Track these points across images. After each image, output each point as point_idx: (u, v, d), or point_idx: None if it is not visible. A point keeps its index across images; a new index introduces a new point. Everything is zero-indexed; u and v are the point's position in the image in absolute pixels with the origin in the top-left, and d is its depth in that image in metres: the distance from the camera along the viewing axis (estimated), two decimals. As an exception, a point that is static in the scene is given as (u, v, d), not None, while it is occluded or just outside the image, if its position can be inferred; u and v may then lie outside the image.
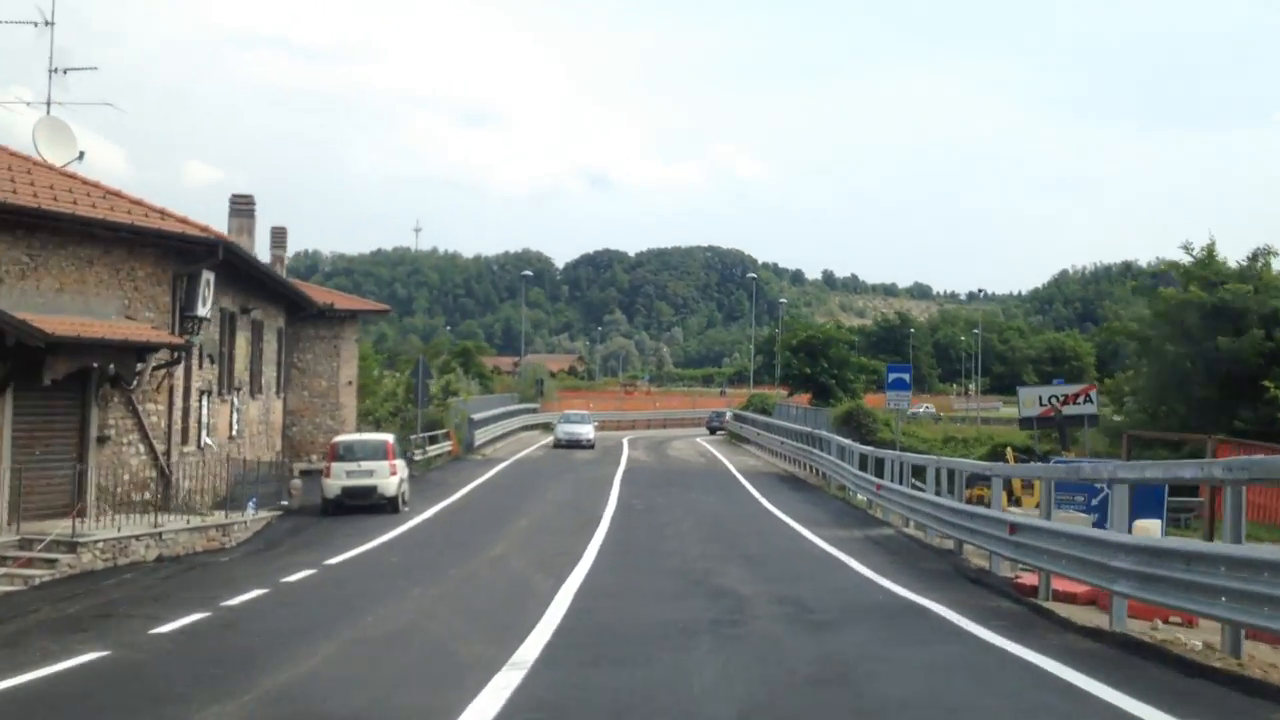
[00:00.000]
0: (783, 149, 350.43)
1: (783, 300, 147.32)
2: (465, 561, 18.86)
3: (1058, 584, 15.28)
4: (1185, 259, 32.20)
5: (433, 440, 41.16)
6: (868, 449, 30.75)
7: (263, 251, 37.53)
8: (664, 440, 63.79)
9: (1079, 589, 15.06)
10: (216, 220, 29.01)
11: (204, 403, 26.49)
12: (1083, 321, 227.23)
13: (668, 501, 30.94)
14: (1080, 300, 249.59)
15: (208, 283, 23.98)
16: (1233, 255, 34.24)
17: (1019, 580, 16.23)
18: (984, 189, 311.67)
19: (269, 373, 35.60)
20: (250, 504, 24.24)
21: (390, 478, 27.45)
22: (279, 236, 42.25)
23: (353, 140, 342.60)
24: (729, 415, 67.63)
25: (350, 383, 40.98)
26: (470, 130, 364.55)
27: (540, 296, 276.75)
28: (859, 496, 30.66)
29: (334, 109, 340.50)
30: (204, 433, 26.16)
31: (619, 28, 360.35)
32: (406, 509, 28.07)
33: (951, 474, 21.95)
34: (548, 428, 69.43)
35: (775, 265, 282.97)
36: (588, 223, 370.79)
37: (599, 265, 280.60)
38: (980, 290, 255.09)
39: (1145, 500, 18.96)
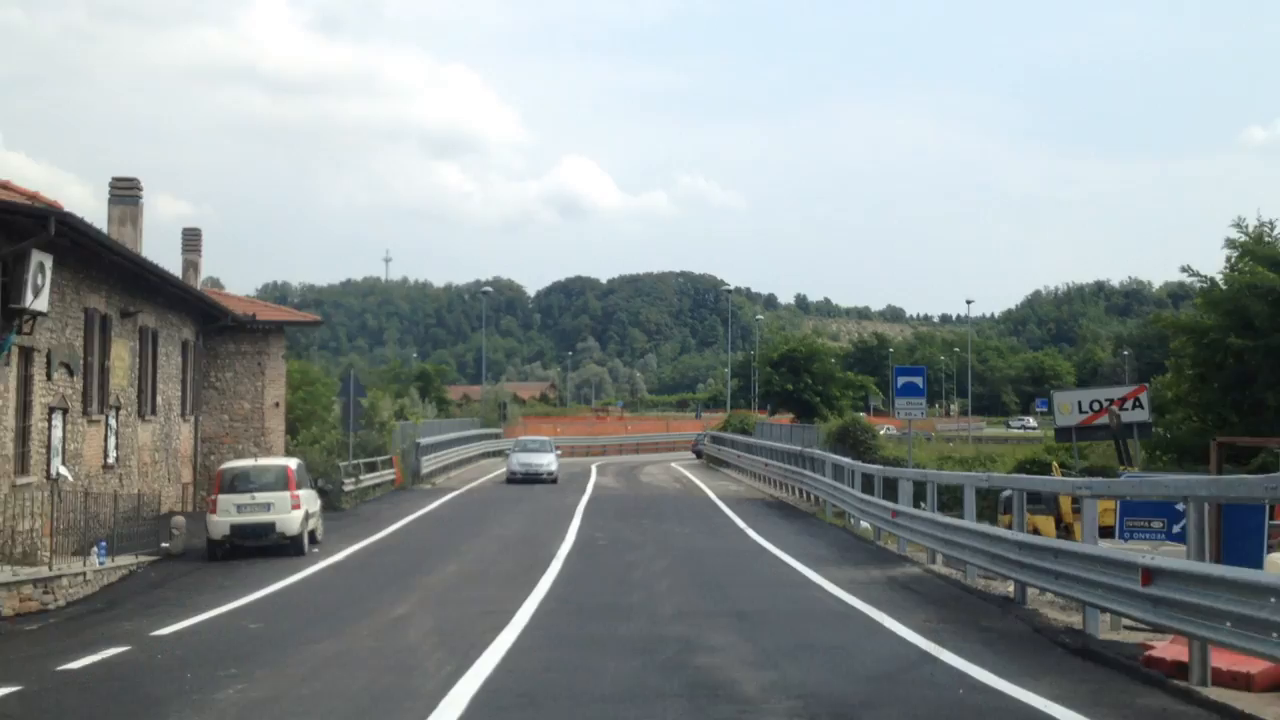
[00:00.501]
0: (751, 179, 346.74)
1: (759, 317, 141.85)
2: (347, 628, 13.37)
3: (1218, 658, 9.96)
4: (1239, 236, 26.86)
5: (370, 468, 35.55)
6: (874, 468, 25.36)
7: (172, 255, 31.98)
8: (637, 465, 58.32)
9: (1254, 665, 9.74)
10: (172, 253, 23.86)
11: (56, 423, 20.92)
12: (1057, 341, 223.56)
13: (637, 535, 25.46)
14: (1054, 320, 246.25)
15: (40, 267, 18.41)
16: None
17: (1150, 652, 10.84)
18: (949, 215, 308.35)
19: (170, 391, 29.99)
20: (96, 550, 18.66)
21: (292, 512, 21.83)
22: (192, 239, 36.71)
23: (321, 172, 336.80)
24: (707, 438, 62.40)
25: (277, 404, 35.42)
26: (439, 161, 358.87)
27: (512, 325, 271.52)
28: (863, 524, 25.27)
29: (302, 141, 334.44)
30: (55, 460, 20.56)
31: (586, 61, 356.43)
32: (315, 550, 22.49)
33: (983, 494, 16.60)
34: (512, 454, 63.93)
35: (748, 290, 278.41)
36: (559, 251, 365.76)
37: (571, 293, 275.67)
38: (953, 314, 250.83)
39: (1242, 525, 13.67)
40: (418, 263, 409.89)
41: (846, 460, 28.06)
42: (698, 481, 45.65)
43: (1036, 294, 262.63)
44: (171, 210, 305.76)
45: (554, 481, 42.27)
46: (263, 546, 21.54)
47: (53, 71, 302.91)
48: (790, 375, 53.94)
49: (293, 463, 23.47)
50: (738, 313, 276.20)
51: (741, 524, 28.11)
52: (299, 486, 22.35)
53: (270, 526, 21.57)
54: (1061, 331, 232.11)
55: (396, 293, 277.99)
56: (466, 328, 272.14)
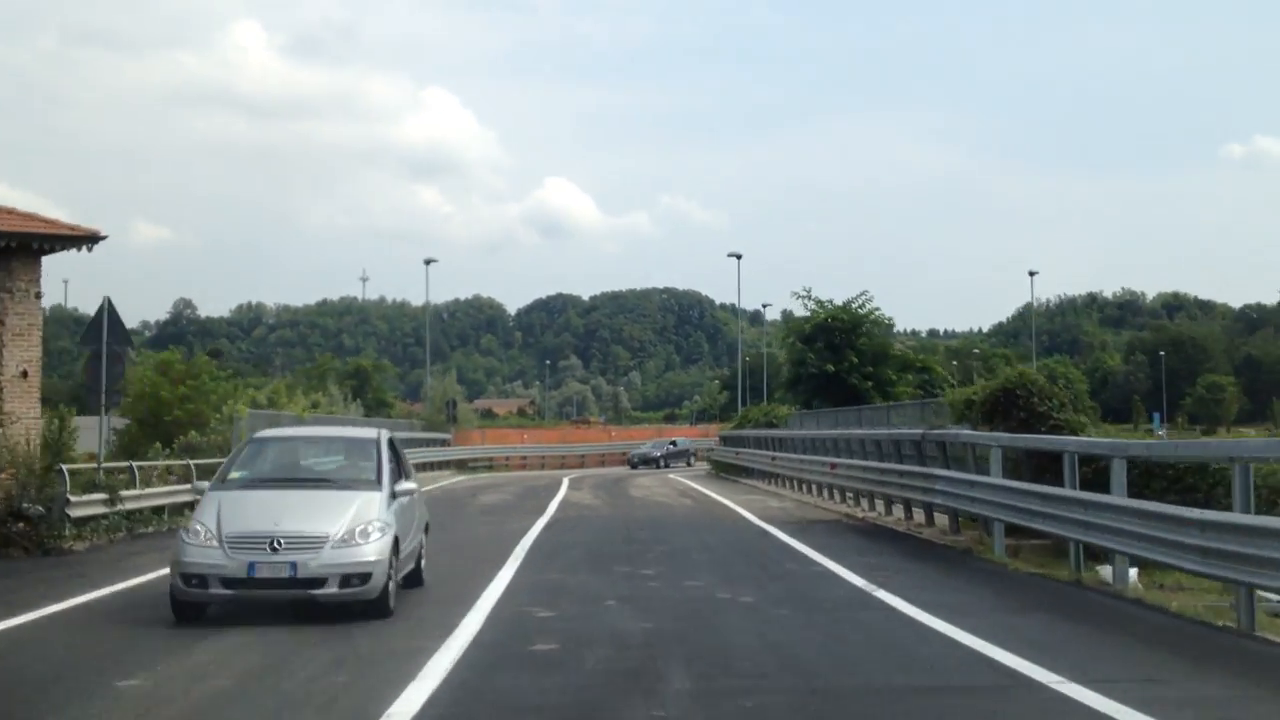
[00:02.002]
0: (732, 198, 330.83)
1: (766, 305, 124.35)
2: None
3: None
4: None
5: (167, 474, 19.76)
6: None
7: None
8: (625, 477, 42.67)
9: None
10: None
11: None
12: (1050, 353, 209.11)
13: (628, 608, 9.99)
14: (1048, 332, 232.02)
15: None
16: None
17: None
18: (933, 230, 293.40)
19: None
20: None
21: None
22: None
23: (300, 195, 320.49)
24: (713, 442, 46.84)
25: (25, 373, 19.84)
26: (419, 184, 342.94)
27: (492, 343, 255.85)
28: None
29: (281, 165, 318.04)
30: None
31: (565, 83, 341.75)
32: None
33: None
34: (463, 466, 48.08)
35: (733, 306, 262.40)
36: (540, 270, 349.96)
37: (552, 310, 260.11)
38: (942, 329, 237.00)
39: None
40: (396, 283, 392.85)
41: (1105, 442, 12.48)
42: (716, 495, 29.93)
43: (1028, 306, 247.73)
44: (151, 235, 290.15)
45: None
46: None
47: (28, 97, 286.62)
48: (829, 353, 38.39)
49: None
50: (722, 330, 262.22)
51: (860, 581, 12.43)
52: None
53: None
54: (1055, 343, 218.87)
55: (374, 312, 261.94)
56: (446, 347, 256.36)
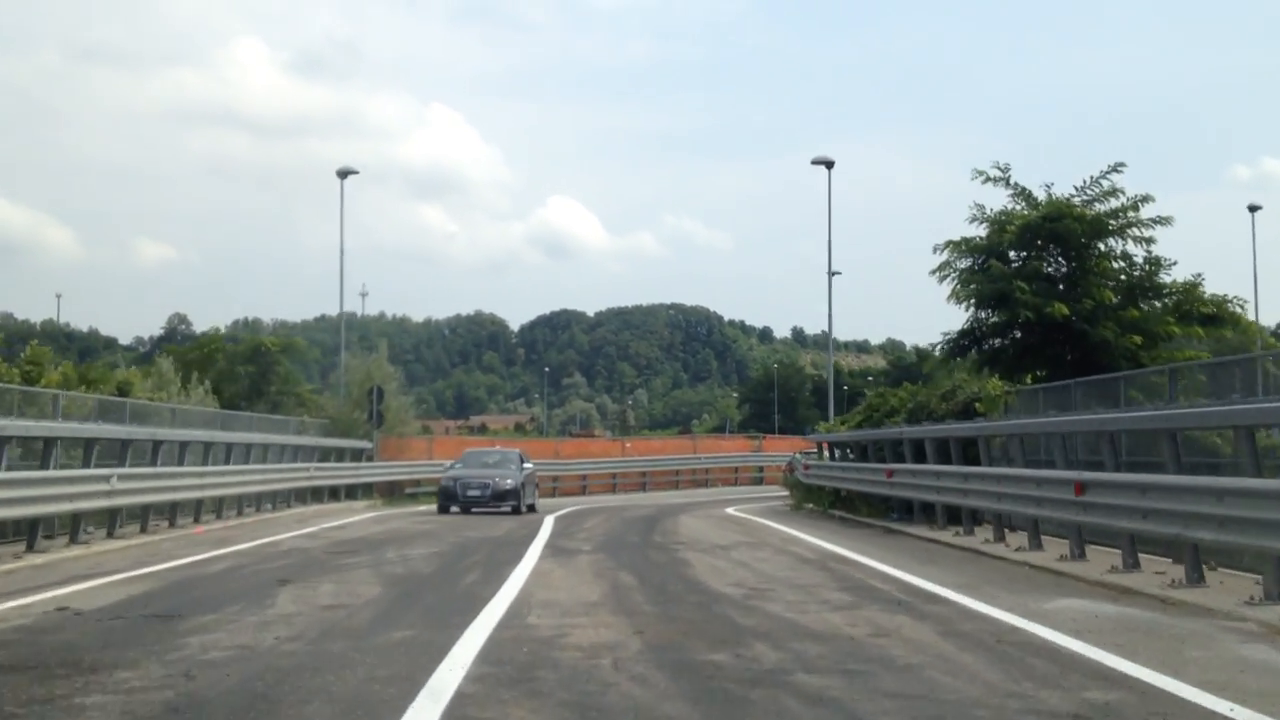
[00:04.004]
0: (737, 219, 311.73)
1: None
2: None
3: None
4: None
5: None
6: None
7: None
8: (656, 518, 23.07)
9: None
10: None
11: None
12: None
13: None
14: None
15: None
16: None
17: None
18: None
19: None
20: None
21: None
22: None
23: (303, 214, 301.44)
24: (814, 453, 27.41)
25: None
26: (422, 202, 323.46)
27: (494, 360, 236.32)
28: None
29: (284, 183, 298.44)
30: None
31: (569, 102, 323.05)
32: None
33: None
34: (394, 491, 28.57)
35: (742, 323, 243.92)
36: (545, 288, 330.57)
37: (556, 326, 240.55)
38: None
39: None
40: (397, 300, 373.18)
41: None
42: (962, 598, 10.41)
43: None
44: (154, 254, 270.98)
45: None
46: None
47: (29, 114, 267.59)
48: (1048, 288, 18.74)
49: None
50: (731, 347, 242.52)
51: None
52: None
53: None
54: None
55: (373, 328, 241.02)
56: (446, 363, 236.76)
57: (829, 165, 32.62)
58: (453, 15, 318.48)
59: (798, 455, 30.92)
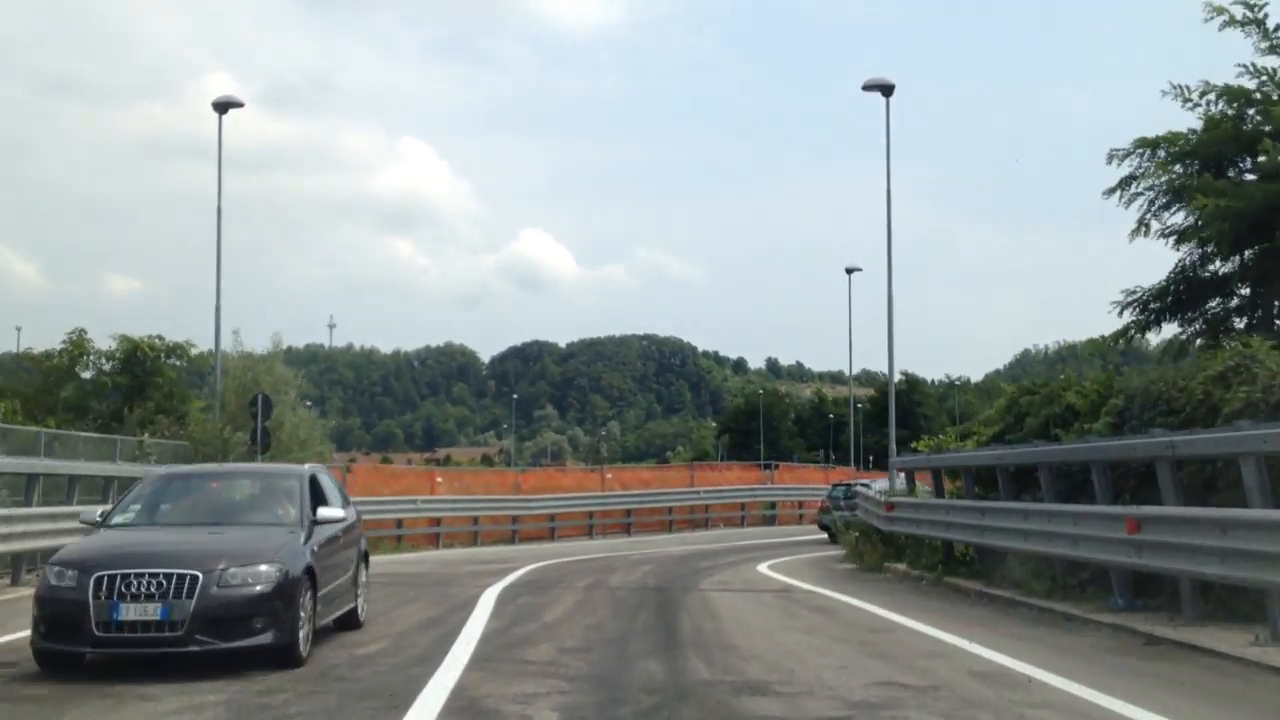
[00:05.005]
0: (709, 252, 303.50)
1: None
2: None
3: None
4: None
5: None
6: None
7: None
8: (667, 586, 14.02)
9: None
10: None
11: None
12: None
13: None
14: (1048, 379, 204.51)
15: None
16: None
17: None
18: (910, 284, 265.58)
19: None
20: None
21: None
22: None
23: (274, 247, 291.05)
24: (874, 487, 18.32)
25: None
26: (394, 235, 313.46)
27: (465, 392, 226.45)
28: None
29: (254, 217, 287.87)
30: None
31: (540, 136, 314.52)
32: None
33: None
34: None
35: (716, 354, 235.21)
36: (516, 321, 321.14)
37: (528, 358, 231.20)
38: (930, 378, 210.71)
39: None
40: (367, 332, 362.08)
41: None
42: None
43: (1025, 353, 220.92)
44: (123, 288, 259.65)
45: None
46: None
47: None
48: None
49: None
50: (705, 378, 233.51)
51: None
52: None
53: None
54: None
55: (340, 360, 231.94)
56: (415, 396, 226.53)
57: (888, 89, 23.11)
58: (425, 50, 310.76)
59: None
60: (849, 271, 38.27)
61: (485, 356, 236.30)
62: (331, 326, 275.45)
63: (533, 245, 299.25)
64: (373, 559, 11.60)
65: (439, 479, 26.22)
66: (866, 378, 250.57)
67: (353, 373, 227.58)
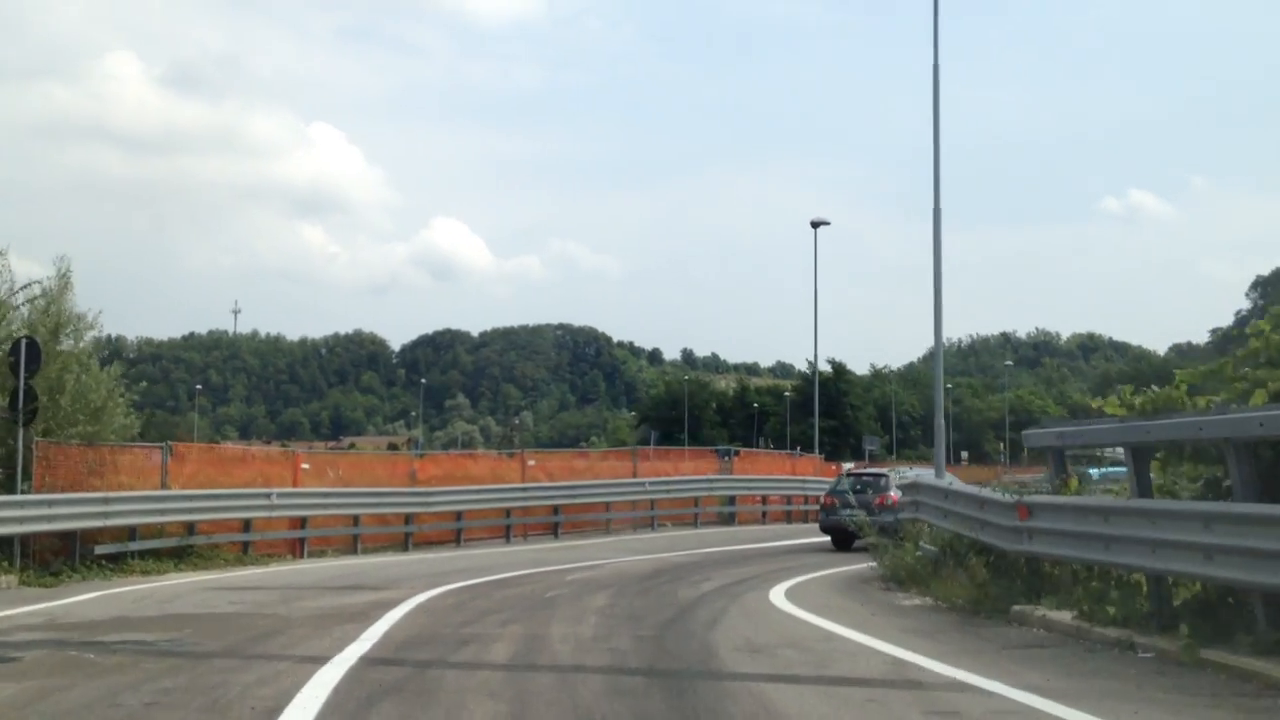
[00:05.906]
0: (625, 244, 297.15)
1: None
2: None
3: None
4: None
5: None
6: None
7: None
8: (651, 672, 7.44)
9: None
10: None
11: None
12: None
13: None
14: (960, 372, 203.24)
15: None
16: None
17: None
18: (832, 280, 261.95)
19: None
20: None
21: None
22: None
23: (180, 233, 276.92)
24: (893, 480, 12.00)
25: None
26: (303, 222, 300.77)
27: (374, 381, 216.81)
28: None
29: (159, 201, 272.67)
30: None
31: (455, 126, 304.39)
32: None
33: None
34: (61, 553, 12.19)
35: (631, 344, 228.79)
36: (428, 310, 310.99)
37: (439, 346, 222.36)
38: (854, 370, 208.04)
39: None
40: (274, 320, 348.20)
41: None
42: None
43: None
44: (20, 270, 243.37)
45: None
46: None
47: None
48: None
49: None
50: (620, 368, 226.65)
51: None
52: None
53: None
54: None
55: (245, 347, 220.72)
56: (323, 384, 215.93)
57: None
58: (337, 34, 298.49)
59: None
60: (814, 225, 32.20)
61: (396, 345, 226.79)
62: (236, 313, 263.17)
63: (446, 234, 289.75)
64: (172, 580, 5.06)
65: (305, 465, 19.11)
66: (782, 370, 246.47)
67: (258, 360, 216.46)
